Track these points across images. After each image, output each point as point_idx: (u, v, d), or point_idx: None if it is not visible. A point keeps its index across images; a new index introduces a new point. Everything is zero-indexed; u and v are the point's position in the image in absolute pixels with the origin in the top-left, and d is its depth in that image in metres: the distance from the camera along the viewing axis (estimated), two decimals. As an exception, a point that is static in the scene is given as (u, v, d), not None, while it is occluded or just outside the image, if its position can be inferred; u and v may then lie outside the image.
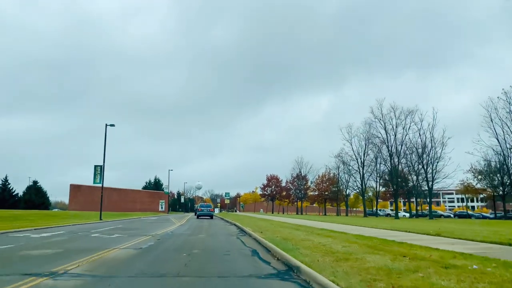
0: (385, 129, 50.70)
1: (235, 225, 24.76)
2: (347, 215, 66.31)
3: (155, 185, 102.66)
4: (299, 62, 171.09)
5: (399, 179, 51.08)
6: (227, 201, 40.23)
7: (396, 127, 50.07)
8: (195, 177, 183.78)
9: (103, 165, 36.40)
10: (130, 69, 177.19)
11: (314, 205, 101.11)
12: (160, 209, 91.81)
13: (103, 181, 37.61)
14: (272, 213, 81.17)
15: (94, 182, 40.95)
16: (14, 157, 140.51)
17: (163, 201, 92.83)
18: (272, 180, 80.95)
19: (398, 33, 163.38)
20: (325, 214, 73.86)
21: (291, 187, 75.92)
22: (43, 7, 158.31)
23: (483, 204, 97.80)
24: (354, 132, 56.98)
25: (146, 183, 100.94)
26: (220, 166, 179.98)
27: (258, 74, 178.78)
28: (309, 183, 72.84)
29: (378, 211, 71.36)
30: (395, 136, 49.90)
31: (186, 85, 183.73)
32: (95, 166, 37.31)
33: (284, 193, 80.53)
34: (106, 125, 34.89)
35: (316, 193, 71.70)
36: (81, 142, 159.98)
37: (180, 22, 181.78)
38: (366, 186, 59.50)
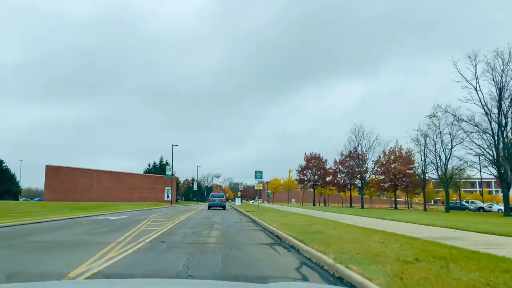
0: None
1: (275, 235, 14.63)
2: (425, 209, 54.37)
3: (161, 169, 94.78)
4: (334, 47, 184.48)
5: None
6: (258, 187, 29.78)
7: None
8: (217, 167, 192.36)
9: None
10: (160, 56, 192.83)
11: (365, 195, 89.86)
12: (165, 198, 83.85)
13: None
14: (314, 204, 70.86)
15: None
16: (43, 144, 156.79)
17: (170, 188, 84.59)
18: (313, 161, 70.20)
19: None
20: (395, 207, 61.73)
21: (342, 169, 64.72)
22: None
23: None
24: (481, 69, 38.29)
25: (148, 166, 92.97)
26: (243, 156, 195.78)
27: (290, 61, 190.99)
28: (368, 165, 60.27)
29: (464, 203, 59.38)
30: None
31: (217, 73, 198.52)
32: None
33: (330, 177, 69.75)
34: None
35: (382, 177, 59.59)
36: (108, 131, 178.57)
37: (212, 8, 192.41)
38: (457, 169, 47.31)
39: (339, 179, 67.04)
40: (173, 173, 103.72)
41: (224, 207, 39.12)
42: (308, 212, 30.67)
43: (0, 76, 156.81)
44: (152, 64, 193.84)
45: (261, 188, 31.42)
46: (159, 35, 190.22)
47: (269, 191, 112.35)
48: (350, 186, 65.72)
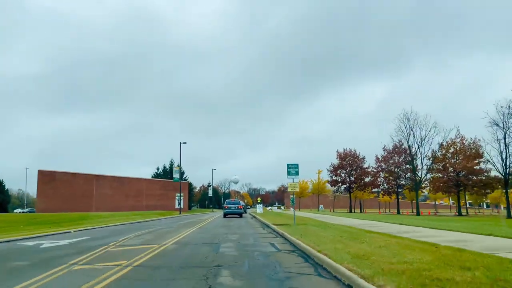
0: None
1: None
2: (509, 215, 41.92)
3: (172, 174, 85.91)
4: (356, 48, 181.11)
5: None
6: (293, 188, 20.13)
7: None
8: (236, 172, 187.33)
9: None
10: (180, 62, 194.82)
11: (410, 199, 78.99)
12: (176, 206, 74.87)
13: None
14: (350, 211, 60.46)
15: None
16: (65, 154, 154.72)
17: (181, 194, 75.47)
18: (347, 159, 59.93)
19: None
20: (458, 213, 49.60)
21: (386, 167, 53.85)
22: (96, 2, 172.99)
23: None
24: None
25: (157, 169, 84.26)
26: (263, 161, 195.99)
27: (310, 64, 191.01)
28: (422, 161, 48.43)
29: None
30: None
31: (237, 78, 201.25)
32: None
33: (369, 178, 59.29)
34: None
35: (439, 175, 47.60)
36: (129, 139, 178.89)
37: (231, 13, 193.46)
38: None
39: (382, 180, 56.25)
40: (186, 178, 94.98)
41: (241, 215, 37.82)
42: (371, 223, 20.85)
43: (22, 86, 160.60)
44: (171, 70, 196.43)
45: (297, 189, 21.57)
46: (178, 41, 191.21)
47: (292, 196, 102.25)
48: (397, 188, 54.84)
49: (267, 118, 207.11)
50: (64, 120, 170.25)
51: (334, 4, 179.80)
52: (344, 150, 60.79)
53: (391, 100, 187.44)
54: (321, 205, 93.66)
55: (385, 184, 55.66)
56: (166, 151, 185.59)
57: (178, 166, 53.80)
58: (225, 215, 37.83)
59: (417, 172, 46.94)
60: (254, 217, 38.38)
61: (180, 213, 53.90)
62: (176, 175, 54.52)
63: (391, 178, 53.61)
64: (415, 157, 46.60)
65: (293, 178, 21.18)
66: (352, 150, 59.97)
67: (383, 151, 54.29)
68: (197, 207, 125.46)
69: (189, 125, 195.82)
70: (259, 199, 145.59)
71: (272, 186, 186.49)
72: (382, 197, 75.04)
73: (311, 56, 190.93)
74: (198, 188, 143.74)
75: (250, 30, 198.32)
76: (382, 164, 54.48)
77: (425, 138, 45.92)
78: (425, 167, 46.38)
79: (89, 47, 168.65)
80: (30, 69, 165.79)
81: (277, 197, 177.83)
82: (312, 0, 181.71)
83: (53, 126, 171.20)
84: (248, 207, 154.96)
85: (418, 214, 46.40)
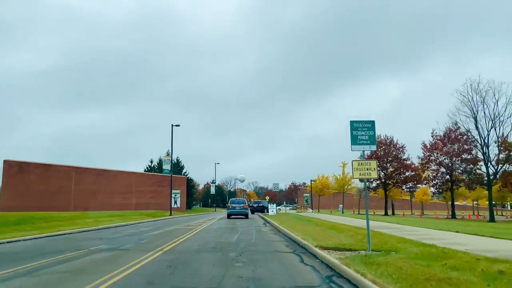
0: None
1: None
2: None
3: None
4: (371, 47, 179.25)
5: None
6: (364, 171, 8.63)
7: None
8: (243, 171, 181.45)
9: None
10: (192, 60, 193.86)
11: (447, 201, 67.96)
12: (173, 205, 64.41)
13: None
14: (386, 213, 49.31)
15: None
16: (78, 152, 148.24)
17: (178, 191, 64.99)
18: (382, 148, 48.57)
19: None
20: None
21: (435, 156, 42.19)
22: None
23: None
24: None
25: (150, 162, 73.92)
26: (271, 160, 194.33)
27: (326, 63, 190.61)
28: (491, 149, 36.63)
29: None
30: None
31: (249, 76, 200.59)
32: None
33: (410, 172, 47.85)
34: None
35: None
36: (139, 136, 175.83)
37: (249, 11, 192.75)
38: None
39: (433, 174, 44.30)
40: (186, 173, 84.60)
41: (246, 215, 36.12)
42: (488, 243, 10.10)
43: (36, 82, 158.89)
44: (184, 68, 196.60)
45: (373, 174, 10.16)
46: (192, 39, 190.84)
47: (306, 194, 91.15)
48: (452, 185, 43.42)
49: (278, 117, 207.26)
50: (76, 116, 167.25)
51: (349, 2, 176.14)
52: (378, 136, 49.70)
53: (405, 99, 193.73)
54: (341, 206, 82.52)
55: (437, 180, 43.97)
56: (178, 149, 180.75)
57: (168, 154, 43.16)
58: (229, 216, 35.89)
59: (490, 163, 35.35)
60: (267, 221, 27.72)
61: (170, 214, 43.39)
62: (166, 167, 43.88)
63: (444, 171, 42.12)
64: (484, 143, 35.02)
65: (363, 149, 10.41)
66: (388, 137, 48.85)
67: (432, 137, 43.17)
68: (200, 206, 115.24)
69: (199, 123, 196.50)
70: (267, 197, 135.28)
71: (280, 185, 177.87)
72: (423, 196, 64.04)
73: (325, 54, 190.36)
74: (202, 186, 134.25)
75: (264, 28, 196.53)
76: (436, 152, 42.69)
77: (495, 118, 34.37)
78: (496, 157, 34.88)
79: (102, 44, 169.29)
80: (42, 65, 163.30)
81: (286, 196, 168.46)
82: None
83: (64, 122, 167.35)
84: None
85: (492, 219, 34.90)
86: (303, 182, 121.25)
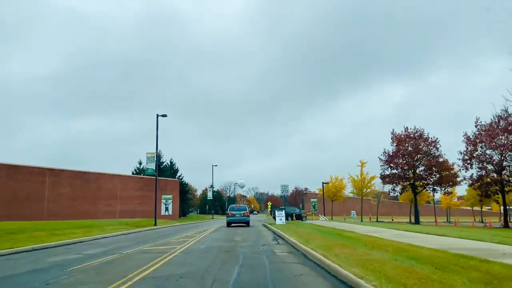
0: None
1: None
2: None
3: (159, 170, 67.99)
4: (372, 52, 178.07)
5: None
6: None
7: None
8: (244, 177, 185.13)
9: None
10: (195, 66, 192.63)
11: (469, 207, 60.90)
12: (164, 212, 56.89)
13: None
14: (417, 221, 41.39)
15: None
16: (79, 156, 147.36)
17: (169, 196, 57.52)
18: (412, 142, 40.60)
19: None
20: None
21: (481, 149, 33.80)
22: (115, 3, 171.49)
23: None
24: None
25: (139, 164, 66.31)
26: (272, 165, 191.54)
27: (329, 68, 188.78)
28: None
29: None
30: None
31: (252, 82, 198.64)
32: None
33: (444, 172, 39.93)
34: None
35: None
36: (141, 143, 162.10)
37: (253, 14, 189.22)
38: None
39: (478, 173, 36.36)
40: (181, 177, 76.91)
41: (247, 223, 33.24)
42: None
43: (38, 88, 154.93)
44: (187, 73, 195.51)
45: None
46: (196, 44, 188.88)
47: (314, 199, 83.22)
48: (503, 187, 34.85)
49: (280, 122, 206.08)
50: (77, 121, 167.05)
51: (355, 5, 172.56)
52: (406, 129, 42.02)
53: (409, 103, 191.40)
54: (353, 212, 74.83)
55: (483, 179, 35.99)
56: (180, 155, 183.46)
57: (155, 152, 35.68)
58: (228, 224, 33.58)
59: None
60: (277, 235, 20.27)
61: (155, 224, 35.86)
62: (150, 166, 36.22)
63: (493, 168, 34.21)
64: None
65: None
66: (419, 129, 41.25)
67: (476, 127, 35.53)
68: (197, 213, 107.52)
69: (200, 128, 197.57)
70: (269, 204, 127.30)
71: (278, 191, 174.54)
72: (451, 201, 56.37)
73: (329, 57, 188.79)
74: (201, 192, 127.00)
75: (268, 32, 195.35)
76: (482, 145, 34.89)
77: None
78: None
79: (105, 49, 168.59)
80: (46, 70, 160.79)
81: (289, 202, 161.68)
82: (332, 2, 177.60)
83: (68, 128, 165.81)
84: (254, 212, 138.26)
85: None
86: (305, 188, 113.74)
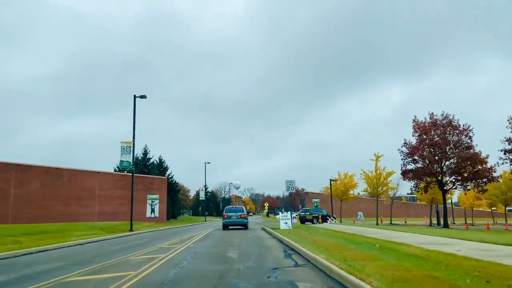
0: None
1: None
2: None
3: (145, 166, 61.77)
4: (372, 53, 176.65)
5: None
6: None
7: None
8: (241, 178, 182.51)
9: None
10: (195, 66, 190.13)
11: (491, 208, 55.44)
12: (149, 214, 50.62)
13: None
14: (445, 224, 35.20)
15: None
16: (82, 157, 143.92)
17: (155, 196, 51.31)
18: (438, 131, 34.42)
19: None
20: None
21: None
22: (115, 3, 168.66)
23: None
24: None
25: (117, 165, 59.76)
26: (269, 166, 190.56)
27: (328, 69, 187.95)
28: None
29: None
30: None
31: (251, 83, 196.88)
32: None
33: (482, 166, 33.58)
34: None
35: None
36: (141, 143, 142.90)
37: (252, 17, 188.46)
38: None
39: None
40: (170, 175, 70.51)
41: (245, 226, 31.41)
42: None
43: (38, 88, 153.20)
44: (187, 73, 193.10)
45: None
46: (196, 44, 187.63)
47: (316, 200, 77.20)
48: None
49: (278, 123, 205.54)
50: (79, 122, 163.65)
51: (355, 5, 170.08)
52: (431, 116, 35.79)
53: (408, 105, 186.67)
54: (360, 213, 68.82)
55: None
56: (178, 155, 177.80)
57: (131, 141, 29.51)
58: (224, 227, 31.70)
59: None
60: (287, 246, 14.20)
61: (131, 229, 29.80)
62: (126, 158, 29.81)
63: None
64: None
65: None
66: (448, 115, 35.05)
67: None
68: (189, 215, 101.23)
69: (200, 129, 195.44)
70: (266, 205, 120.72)
71: (277, 192, 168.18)
72: (473, 201, 50.59)
73: (329, 57, 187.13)
74: (194, 193, 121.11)
75: (268, 32, 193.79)
76: None
77: None
78: None
79: (105, 49, 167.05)
80: (46, 70, 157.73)
81: (287, 202, 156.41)
82: (332, 2, 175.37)
83: (68, 128, 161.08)
84: (250, 214, 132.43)
85: None
86: (302, 188, 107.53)
